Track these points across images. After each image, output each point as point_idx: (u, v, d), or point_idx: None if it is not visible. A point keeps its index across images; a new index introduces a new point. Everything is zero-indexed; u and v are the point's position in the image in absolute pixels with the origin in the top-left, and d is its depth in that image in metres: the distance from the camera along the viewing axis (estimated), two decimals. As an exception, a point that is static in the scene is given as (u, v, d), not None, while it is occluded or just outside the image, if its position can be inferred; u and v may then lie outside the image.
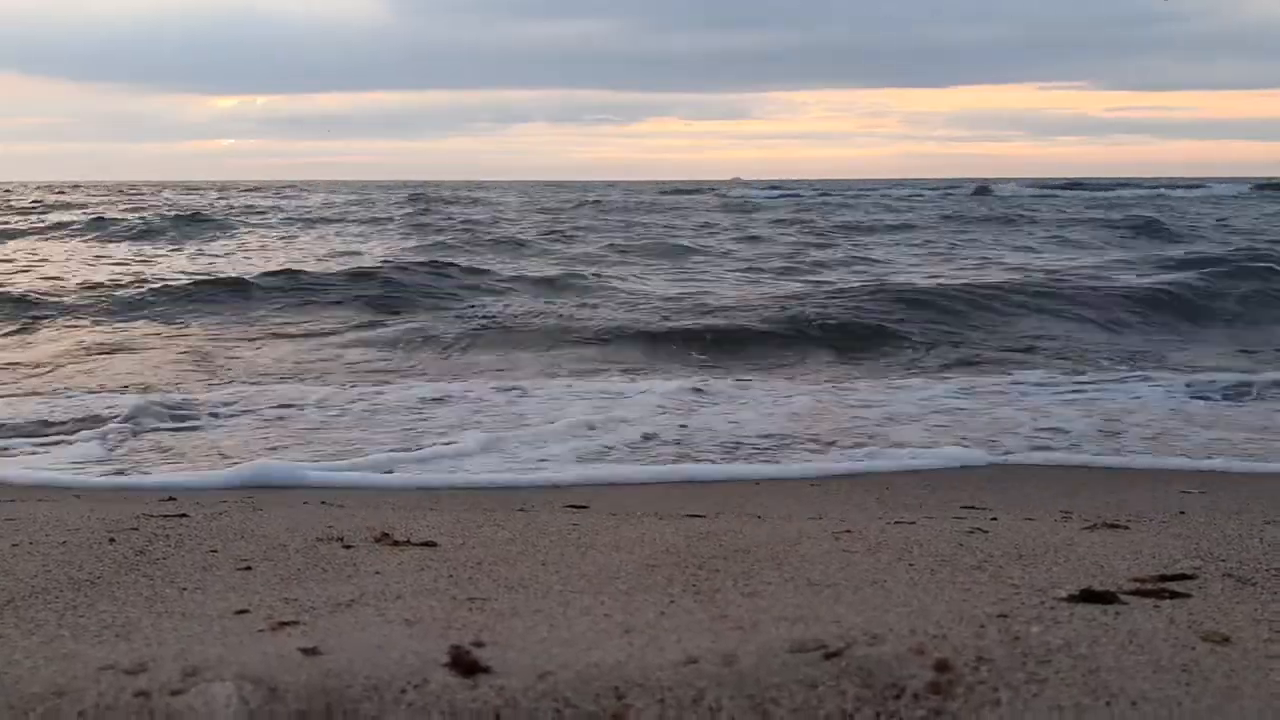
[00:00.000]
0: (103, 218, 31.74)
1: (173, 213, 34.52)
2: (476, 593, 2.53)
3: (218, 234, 27.71)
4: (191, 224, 29.71)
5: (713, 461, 6.06)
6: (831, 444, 6.45)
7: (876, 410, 7.50)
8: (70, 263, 20.45)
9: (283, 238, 27.13)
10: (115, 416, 7.08)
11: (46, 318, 12.92)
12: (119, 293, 14.87)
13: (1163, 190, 51.35)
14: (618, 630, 2.16)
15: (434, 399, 7.94)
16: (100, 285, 15.85)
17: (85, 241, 25.47)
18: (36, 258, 21.33)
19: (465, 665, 1.91)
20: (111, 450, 6.31)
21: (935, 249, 23.55)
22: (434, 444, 6.42)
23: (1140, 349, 10.79)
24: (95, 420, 7.06)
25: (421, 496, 4.97)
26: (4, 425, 6.94)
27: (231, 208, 42.20)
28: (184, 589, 2.61)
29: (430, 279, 16.23)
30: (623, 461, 6.04)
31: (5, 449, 6.33)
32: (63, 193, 53.98)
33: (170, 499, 4.39)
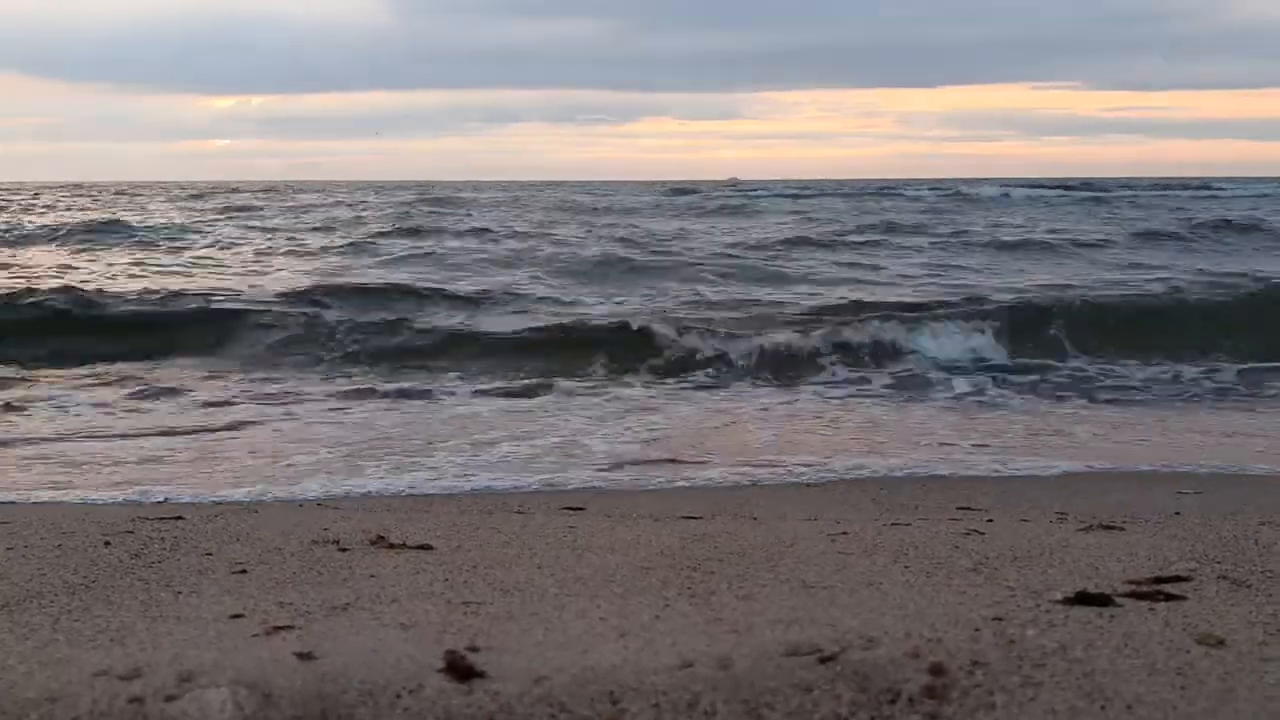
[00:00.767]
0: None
1: (100, 216, 28.49)
2: (472, 596, 2.53)
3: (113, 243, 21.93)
4: (98, 232, 23.58)
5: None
6: None
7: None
8: None
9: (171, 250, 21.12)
10: None
11: None
12: None
13: (1186, 191, 50.41)
14: (613, 634, 2.16)
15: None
16: None
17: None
18: None
19: (460, 670, 1.91)
20: None
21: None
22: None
23: None
24: None
25: (417, 499, 4.97)
26: None
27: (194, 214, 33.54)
28: (179, 593, 2.60)
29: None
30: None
31: None
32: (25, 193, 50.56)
33: (165, 502, 4.38)
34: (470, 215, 30.82)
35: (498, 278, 16.13)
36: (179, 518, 3.60)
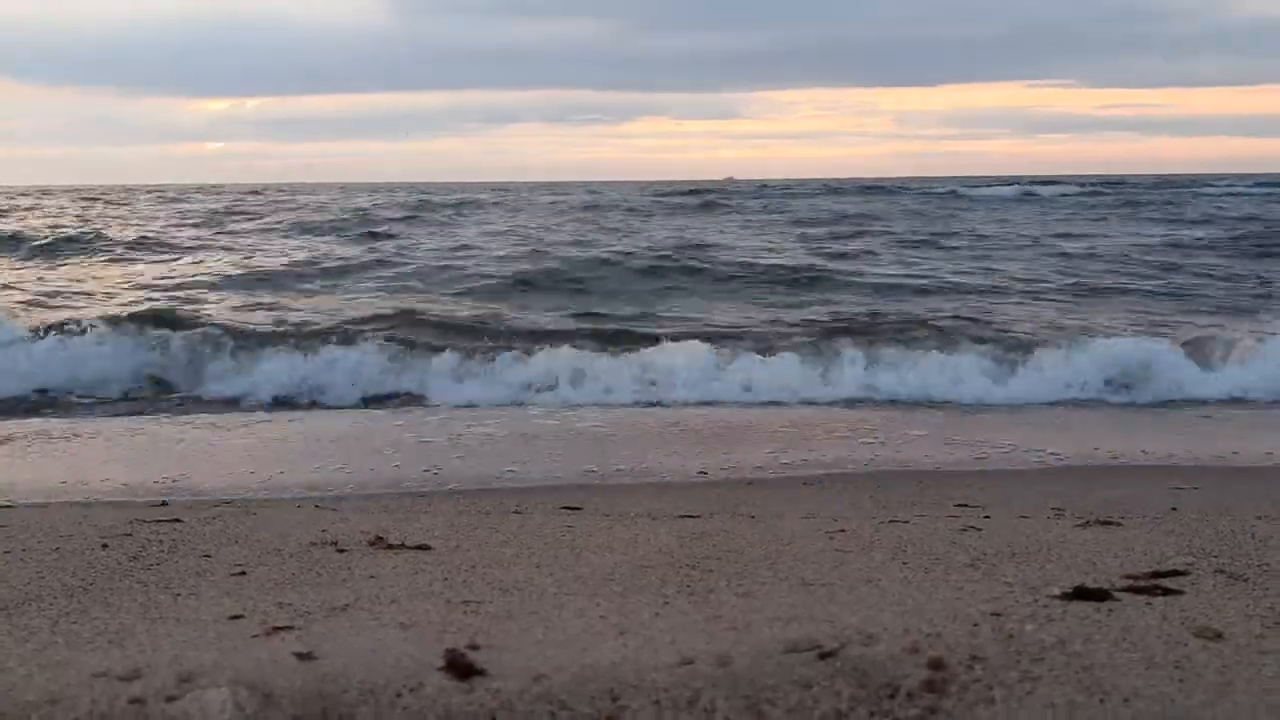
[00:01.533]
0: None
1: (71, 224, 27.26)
2: (471, 595, 2.53)
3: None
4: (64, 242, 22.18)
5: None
6: None
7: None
8: None
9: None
10: None
11: None
12: None
13: (1211, 186, 50.28)
14: (612, 632, 2.17)
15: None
16: None
17: None
18: None
19: (460, 669, 1.91)
20: None
21: None
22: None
23: None
24: None
25: (415, 499, 4.97)
26: None
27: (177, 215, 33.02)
28: (178, 594, 2.60)
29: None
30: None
31: None
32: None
33: (163, 503, 4.38)
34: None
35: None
36: (177, 520, 3.59)
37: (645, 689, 1.83)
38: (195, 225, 27.80)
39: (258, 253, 20.34)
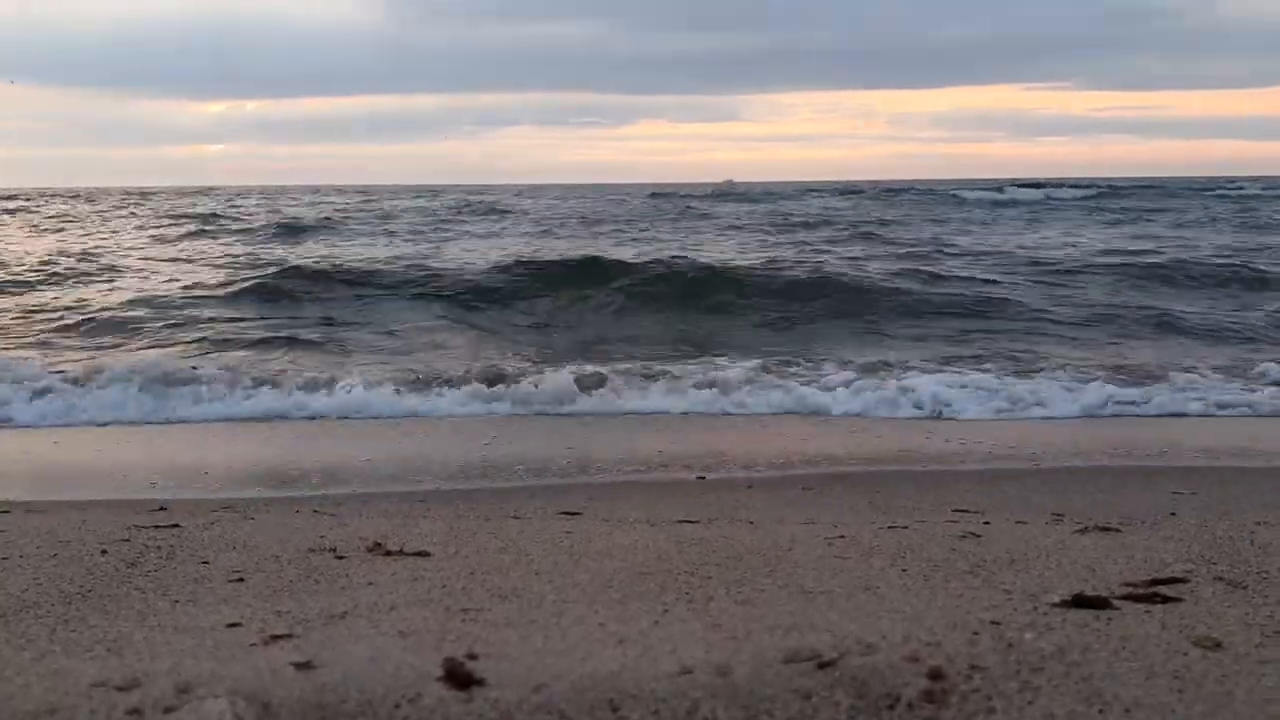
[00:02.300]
0: None
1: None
2: (470, 603, 2.52)
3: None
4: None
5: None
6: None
7: None
8: None
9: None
10: None
11: None
12: None
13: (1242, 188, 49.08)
14: (611, 640, 2.16)
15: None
16: None
17: None
18: None
19: (459, 678, 1.91)
20: None
21: None
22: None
23: None
24: None
25: (414, 504, 4.96)
26: None
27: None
28: (176, 602, 2.60)
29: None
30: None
31: None
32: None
33: (161, 509, 4.37)
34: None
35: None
36: (175, 525, 3.59)
37: (644, 699, 1.83)
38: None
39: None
